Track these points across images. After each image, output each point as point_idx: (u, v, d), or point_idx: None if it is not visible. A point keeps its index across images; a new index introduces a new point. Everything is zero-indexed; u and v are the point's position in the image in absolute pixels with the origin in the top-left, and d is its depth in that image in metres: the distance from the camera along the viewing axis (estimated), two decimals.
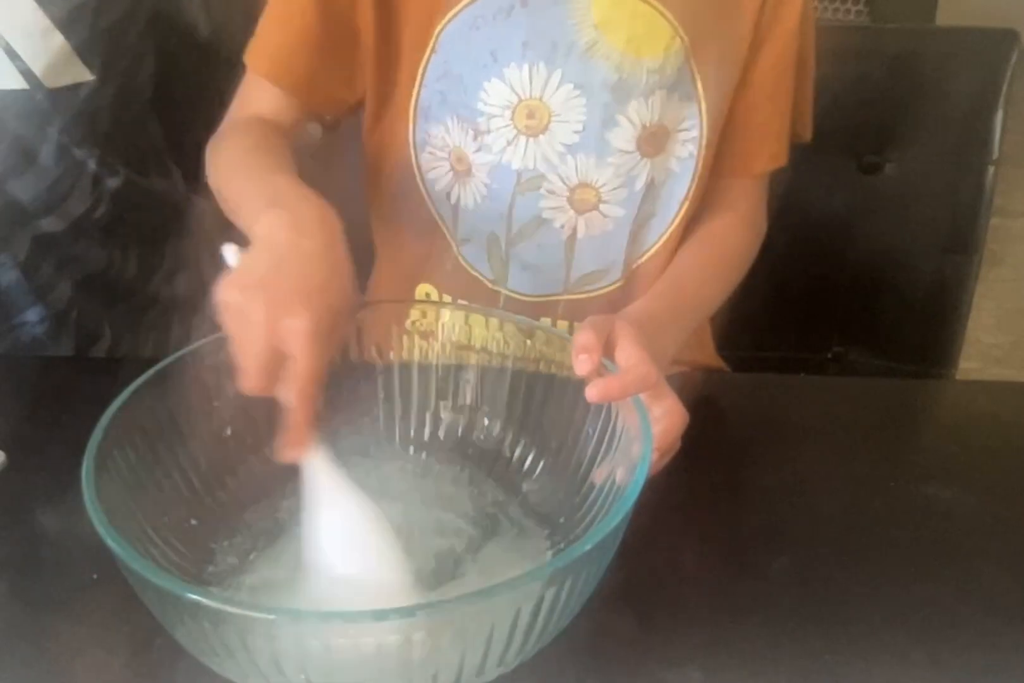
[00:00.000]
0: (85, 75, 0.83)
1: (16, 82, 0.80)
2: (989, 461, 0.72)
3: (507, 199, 0.81)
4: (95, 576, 0.57)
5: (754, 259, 0.86)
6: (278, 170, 0.68)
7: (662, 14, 0.75)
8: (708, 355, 0.96)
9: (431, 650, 0.43)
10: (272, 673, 0.43)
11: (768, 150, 0.86)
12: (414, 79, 0.80)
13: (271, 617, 0.40)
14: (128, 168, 0.93)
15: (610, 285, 0.86)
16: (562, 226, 0.82)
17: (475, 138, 0.80)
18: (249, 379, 0.52)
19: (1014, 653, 0.55)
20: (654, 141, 0.80)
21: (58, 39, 0.80)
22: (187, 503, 0.57)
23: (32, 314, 0.94)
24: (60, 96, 0.82)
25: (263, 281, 0.54)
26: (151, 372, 0.55)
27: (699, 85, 0.79)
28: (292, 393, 0.52)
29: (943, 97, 1.07)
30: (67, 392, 0.77)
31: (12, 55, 0.80)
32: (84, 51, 0.82)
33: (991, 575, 0.60)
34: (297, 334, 0.51)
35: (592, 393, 0.54)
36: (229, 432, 0.60)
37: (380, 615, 0.41)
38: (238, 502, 0.60)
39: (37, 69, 0.80)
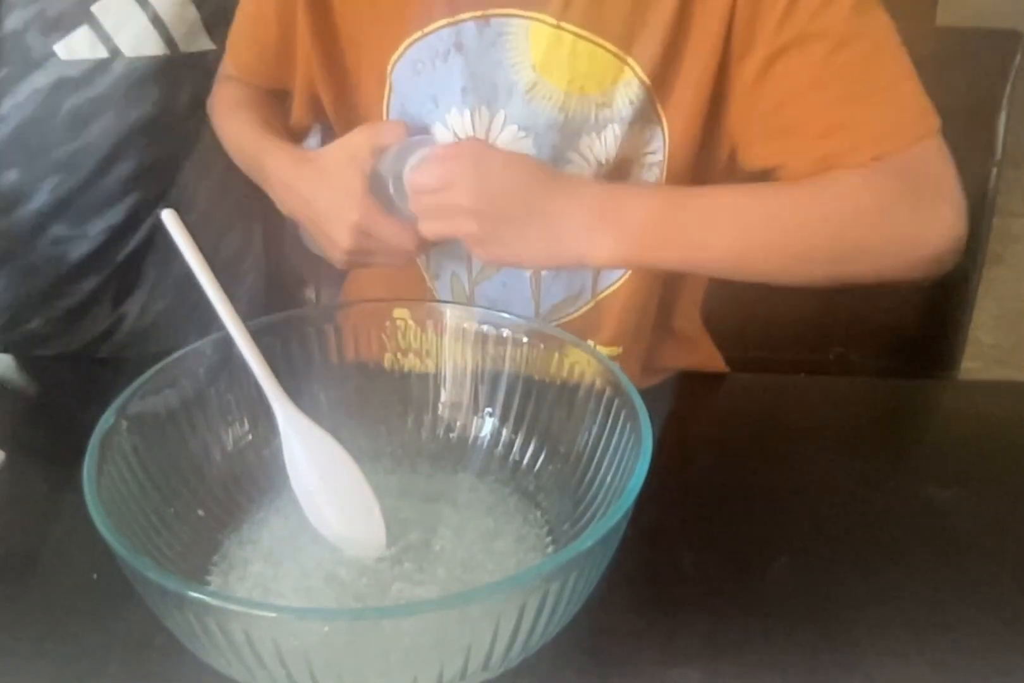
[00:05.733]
0: (208, 44, 0.94)
1: (159, 48, 0.90)
2: (989, 461, 0.72)
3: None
4: (95, 576, 0.58)
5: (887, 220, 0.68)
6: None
7: (605, 48, 0.70)
8: (707, 357, 0.94)
9: (431, 645, 0.43)
10: (254, 667, 0.43)
11: (850, 140, 0.70)
12: (379, 113, 0.78)
13: (272, 614, 0.40)
14: None
15: (583, 308, 0.83)
16: None
17: None
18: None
19: (1014, 653, 0.55)
20: (617, 174, 0.76)
21: (192, 11, 0.91)
22: (194, 493, 0.57)
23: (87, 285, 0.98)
24: (191, 60, 0.93)
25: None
26: (157, 366, 0.55)
27: (660, 108, 0.74)
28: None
29: (945, 98, 1.06)
30: (67, 391, 0.77)
31: (158, 23, 0.89)
32: (210, 23, 0.92)
33: (991, 575, 0.60)
34: None
35: None
36: (238, 426, 0.60)
37: (384, 612, 0.41)
38: (245, 494, 0.60)
39: (177, 36, 0.91)
